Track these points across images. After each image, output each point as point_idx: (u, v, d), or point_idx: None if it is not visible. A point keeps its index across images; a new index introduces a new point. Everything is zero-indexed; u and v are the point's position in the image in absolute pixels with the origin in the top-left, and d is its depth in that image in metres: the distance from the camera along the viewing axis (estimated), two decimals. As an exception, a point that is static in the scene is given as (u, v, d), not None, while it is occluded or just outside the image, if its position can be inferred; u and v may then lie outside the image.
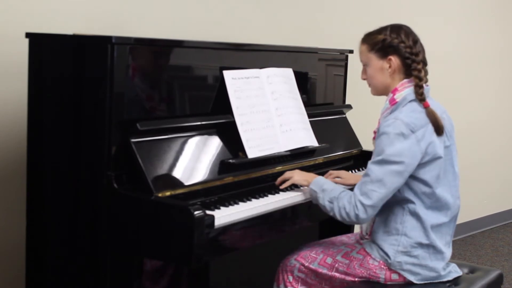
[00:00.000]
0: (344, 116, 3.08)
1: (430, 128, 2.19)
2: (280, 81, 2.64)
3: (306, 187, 2.39)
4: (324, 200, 2.24)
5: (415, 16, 4.15)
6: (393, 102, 2.26)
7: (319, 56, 3.04)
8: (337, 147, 2.92)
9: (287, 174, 2.42)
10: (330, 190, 2.25)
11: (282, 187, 2.41)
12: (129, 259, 2.12)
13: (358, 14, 4.01)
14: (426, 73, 2.27)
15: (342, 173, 2.64)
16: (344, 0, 3.94)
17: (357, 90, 3.47)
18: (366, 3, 4.07)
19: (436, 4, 4.65)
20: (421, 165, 2.18)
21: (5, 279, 2.57)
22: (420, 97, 2.22)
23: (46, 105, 2.23)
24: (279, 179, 2.43)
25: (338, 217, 2.20)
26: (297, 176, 2.40)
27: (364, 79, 2.37)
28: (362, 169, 2.90)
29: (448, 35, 4.75)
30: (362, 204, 2.15)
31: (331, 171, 2.65)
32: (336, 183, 2.54)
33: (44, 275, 2.30)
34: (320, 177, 2.34)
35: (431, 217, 2.24)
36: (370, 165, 2.18)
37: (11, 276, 2.56)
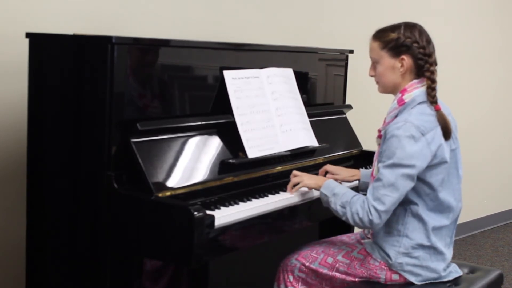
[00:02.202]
0: (344, 116, 3.08)
1: (439, 130, 2.18)
2: (280, 81, 2.64)
3: (307, 188, 2.40)
4: (336, 205, 2.23)
5: (414, 15, 4.14)
6: (401, 103, 2.23)
7: (319, 56, 3.04)
8: (337, 147, 2.92)
9: (296, 179, 2.40)
10: (342, 194, 2.23)
11: (293, 191, 2.39)
12: (129, 259, 2.12)
13: (358, 14, 4.01)
14: (436, 73, 2.25)
15: (339, 170, 2.62)
16: (345, 0, 3.94)
17: (357, 90, 3.48)
18: (366, 3, 4.07)
19: (436, 3, 4.65)
20: (428, 167, 2.17)
21: (5, 279, 2.57)
22: (432, 99, 2.19)
23: (46, 105, 2.23)
24: (289, 184, 2.40)
25: (351, 222, 2.19)
26: (307, 180, 2.37)
27: (372, 76, 2.33)
28: (362, 169, 2.90)
29: (448, 34, 4.75)
30: (376, 209, 2.13)
31: (328, 165, 2.63)
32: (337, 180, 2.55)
33: (44, 275, 2.30)
34: (330, 180, 2.32)
35: (433, 219, 2.23)
36: (381, 169, 2.15)
37: (11, 276, 2.56)
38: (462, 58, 4.96)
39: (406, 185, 2.14)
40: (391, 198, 2.13)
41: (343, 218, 2.22)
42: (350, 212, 2.18)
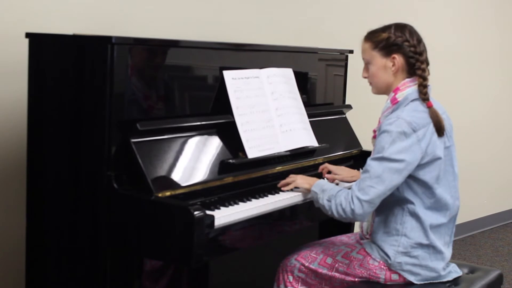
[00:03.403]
0: (344, 116, 3.09)
1: (431, 128, 2.19)
2: (280, 81, 2.64)
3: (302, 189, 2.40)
4: (323, 200, 2.24)
5: (414, 15, 4.15)
6: (394, 101, 2.26)
7: (319, 56, 3.04)
8: (337, 147, 2.92)
9: (290, 178, 2.42)
10: (330, 189, 2.25)
11: (284, 189, 2.41)
12: (129, 259, 2.12)
13: (358, 13, 4.01)
14: (428, 72, 2.27)
15: (339, 170, 2.63)
16: (344, 0, 3.94)
17: (357, 90, 3.48)
18: (366, 3, 4.07)
19: (436, 2, 4.65)
20: (420, 165, 2.18)
21: (5, 279, 2.57)
22: (424, 96, 2.22)
23: (46, 105, 2.23)
24: (282, 182, 2.43)
25: (335, 214, 2.20)
26: (299, 180, 2.40)
27: (365, 77, 2.35)
28: (362, 169, 2.90)
29: (448, 34, 4.75)
30: (359, 199, 2.14)
31: (327, 164, 2.64)
32: (335, 180, 2.56)
33: (44, 275, 2.30)
34: (322, 180, 2.34)
35: (430, 217, 2.24)
36: (369, 161, 2.18)
37: (11, 276, 2.56)
38: (463, 59, 4.95)
39: (393, 180, 2.14)
40: (376, 190, 2.14)
41: (329, 213, 2.23)
42: (335, 204, 2.19)
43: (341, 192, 2.20)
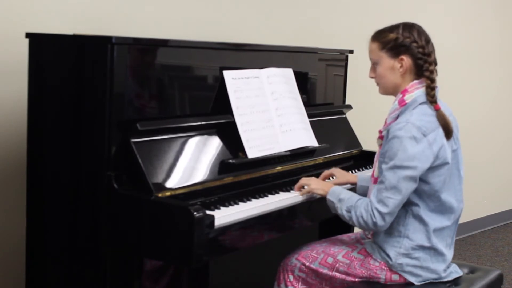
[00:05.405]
0: (344, 116, 3.08)
1: (440, 131, 2.18)
2: (280, 81, 2.64)
3: (306, 189, 2.40)
4: (342, 210, 2.24)
5: (414, 15, 4.14)
6: (402, 103, 2.23)
7: (319, 56, 3.04)
8: (337, 147, 2.92)
9: (304, 181, 2.41)
10: (347, 199, 2.24)
11: (300, 194, 2.40)
12: (129, 259, 2.12)
13: (358, 14, 4.01)
14: (436, 73, 2.25)
15: (335, 171, 2.62)
16: (344, 0, 3.93)
17: (357, 90, 3.48)
18: (366, 3, 4.07)
19: (436, 2, 4.65)
20: (430, 169, 2.17)
21: (5, 279, 2.57)
22: (431, 99, 2.20)
23: (46, 105, 2.23)
24: (297, 186, 2.42)
25: (356, 225, 2.21)
26: (314, 184, 2.38)
27: (372, 78, 2.33)
28: (362, 169, 2.90)
29: (448, 34, 4.75)
30: (379, 212, 2.14)
31: (325, 171, 2.63)
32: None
33: (44, 275, 2.30)
34: (336, 187, 2.33)
35: (435, 220, 2.23)
36: (384, 172, 2.16)
37: (11, 276, 2.56)
38: (463, 59, 4.95)
39: (409, 187, 2.14)
40: (394, 201, 2.14)
41: (350, 223, 2.24)
42: (355, 215, 2.19)
43: (360, 203, 2.20)
